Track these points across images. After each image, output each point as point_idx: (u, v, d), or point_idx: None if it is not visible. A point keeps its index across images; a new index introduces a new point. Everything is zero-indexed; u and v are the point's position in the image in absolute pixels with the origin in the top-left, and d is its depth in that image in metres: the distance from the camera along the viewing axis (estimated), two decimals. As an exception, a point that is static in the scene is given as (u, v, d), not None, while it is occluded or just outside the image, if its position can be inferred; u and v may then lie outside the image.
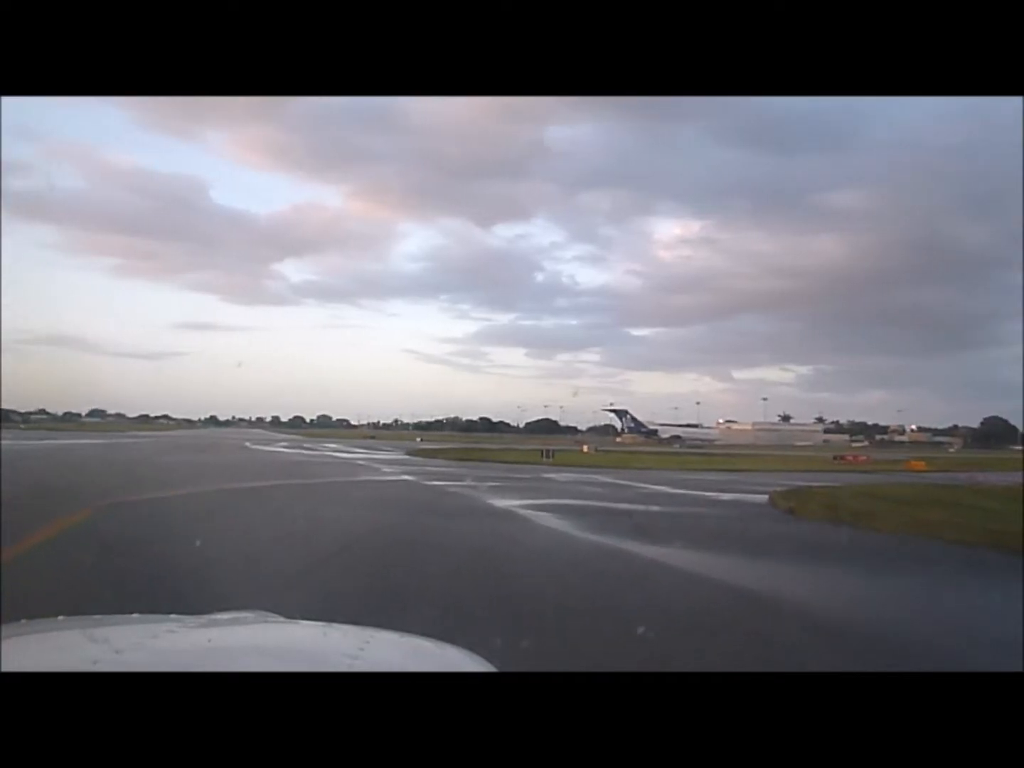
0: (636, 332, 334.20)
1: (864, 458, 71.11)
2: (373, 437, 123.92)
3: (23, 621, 2.05)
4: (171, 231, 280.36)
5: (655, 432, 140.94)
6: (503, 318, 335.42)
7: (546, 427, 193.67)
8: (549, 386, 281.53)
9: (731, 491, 30.43)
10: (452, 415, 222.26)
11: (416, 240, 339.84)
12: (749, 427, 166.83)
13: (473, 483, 29.81)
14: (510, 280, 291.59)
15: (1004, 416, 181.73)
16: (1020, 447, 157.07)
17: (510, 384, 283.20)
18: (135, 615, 2.28)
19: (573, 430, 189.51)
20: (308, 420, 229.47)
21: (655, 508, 22.98)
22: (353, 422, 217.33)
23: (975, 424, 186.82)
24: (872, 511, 20.32)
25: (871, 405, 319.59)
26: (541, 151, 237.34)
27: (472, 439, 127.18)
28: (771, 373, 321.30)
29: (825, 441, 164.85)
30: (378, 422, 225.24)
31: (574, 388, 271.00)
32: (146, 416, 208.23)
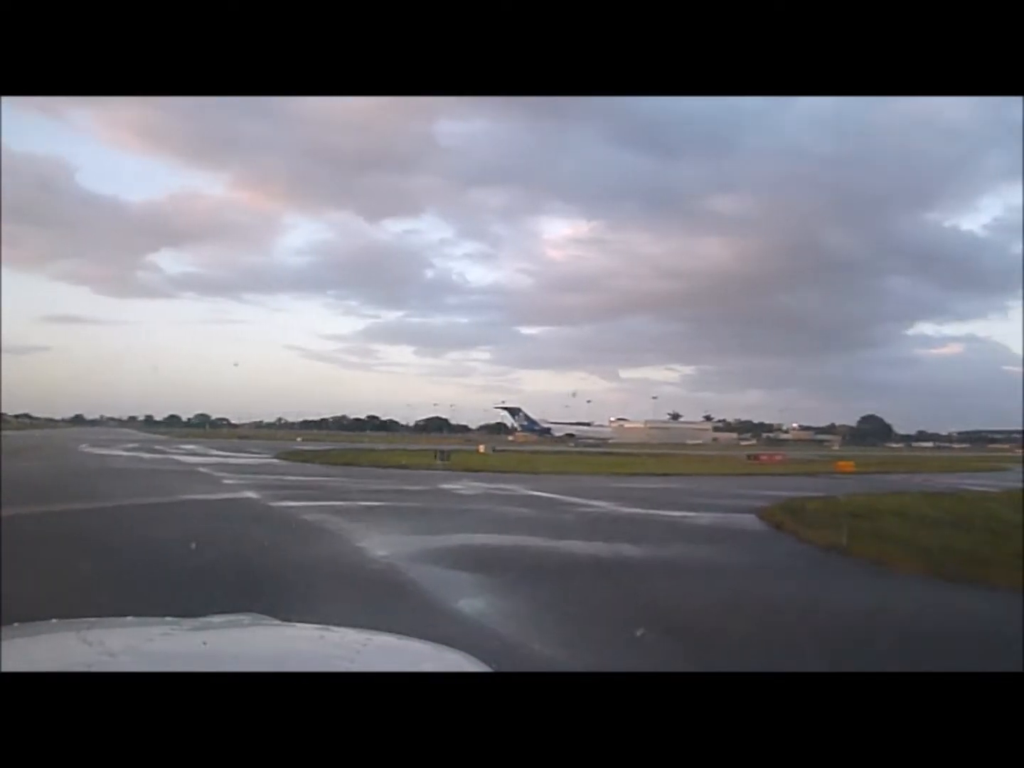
0: (526, 331, 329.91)
1: (779, 457, 65.10)
2: (248, 437, 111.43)
3: (17, 624, 2.03)
4: (32, 217, 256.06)
5: (548, 430, 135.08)
6: (392, 315, 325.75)
7: (436, 426, 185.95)
8: (439, 384, 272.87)
9: (701, 508, 22.39)
10: (340, 414, 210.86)
11: (302, 233, 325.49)
12: (642, 425, 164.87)
13: (344, 503, 20.62)
14: (399, 276, 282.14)
15: (879, 415, 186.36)
16: (897, 444, 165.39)
17: (400, 382, 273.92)
18: (129, 618, 2.27)
19: (464, 428, 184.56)
20: (185, 419, 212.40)
21: (646, 553, 14.10)
22: (234, 421, 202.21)
23: (851, 422, 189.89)
24: (985, 556, 12.22)
25: (750, 404, 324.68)
26: (431, 146, 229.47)
27: (358, 438, 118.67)
28: (657, 373, 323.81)
29: (714, 439, 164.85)
30: (261, 421, 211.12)
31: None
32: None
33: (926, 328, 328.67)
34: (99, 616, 2.33)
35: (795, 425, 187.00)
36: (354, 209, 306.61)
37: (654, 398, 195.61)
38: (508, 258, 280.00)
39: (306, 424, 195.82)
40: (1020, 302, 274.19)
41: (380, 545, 13.58)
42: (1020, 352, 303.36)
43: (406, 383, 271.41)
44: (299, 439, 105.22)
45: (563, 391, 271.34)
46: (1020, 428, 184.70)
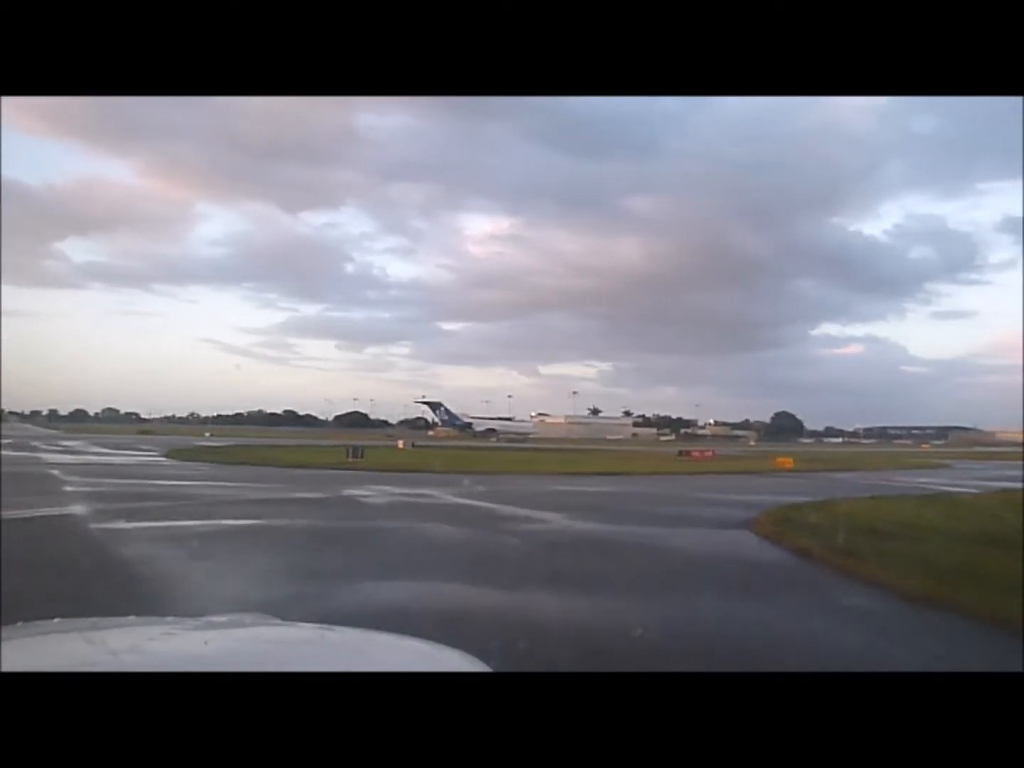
0: (446, 326, 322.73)
1: (710, 454, 61.34)
2: (152, 432, 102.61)
3: (20, 624, 2.00)
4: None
5: (470, 425, 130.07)
6: (311, 309, 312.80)
7: (356, 420, 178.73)
8: (359, 379, 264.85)
9: (675, 522, 17.35)
10: (256, 408, 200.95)
11: (218, 223, 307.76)
12: (562, 420, 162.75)
13: (202, 521, 14.72)
14: (319, 270, 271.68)
15: (791, 411, 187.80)
16: (808, 439, 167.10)
17: (319, 377, 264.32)
18: (132, 617, 2.23)
19: (384, 424, 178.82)
20: (93, 414, 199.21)
21: (668, 623, 8.12)
22: (145, 416, 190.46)
23: (763, 418, 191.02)
24: None
25: (665, 400, 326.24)
26: (351, 138, 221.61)
27: (272, 434, 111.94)
28: (575, 369, 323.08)
29: (634, 434, 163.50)
30: (172, 416, 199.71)
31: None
32: None
33: (831, 329, 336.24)
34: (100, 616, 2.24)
35: (711, 421, 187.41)
36: (272, 200, 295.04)
37: (574, 393, 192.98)
38: (429, 253, 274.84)
39: (220, 419, 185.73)
40: (917, 304, 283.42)
41: (197, 612, 7.85)
42: (916, 353, 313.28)
43: (326, 378, 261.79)
44: (207, 434, 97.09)
45: (483, 387, 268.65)
46: (919, 424, 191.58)
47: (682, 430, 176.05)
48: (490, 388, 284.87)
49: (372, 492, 22.37)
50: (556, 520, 16.86)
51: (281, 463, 36.08)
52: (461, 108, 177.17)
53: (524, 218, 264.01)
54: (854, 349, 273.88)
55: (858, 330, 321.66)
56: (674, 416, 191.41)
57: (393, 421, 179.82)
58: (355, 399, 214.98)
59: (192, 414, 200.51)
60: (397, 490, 23.31)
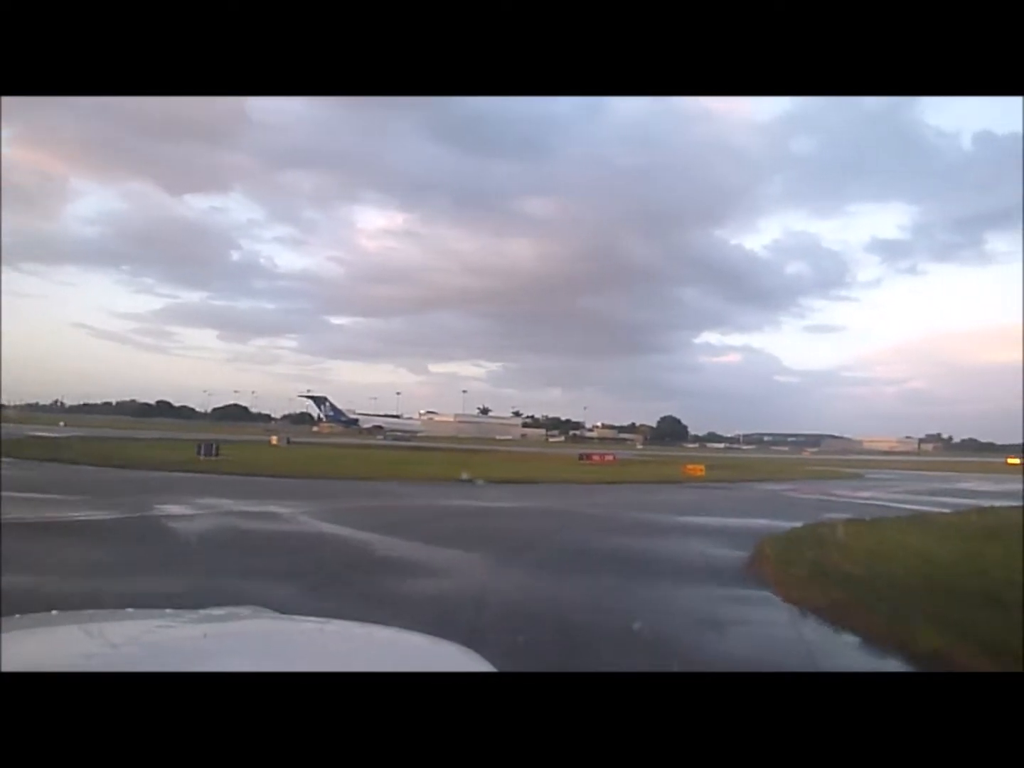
0: (336, 320, 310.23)
1: (611, 457, 56.11)
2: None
3: (17, 616, 1.96)
4: None
5: (356, 421, 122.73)
6: (193, 296, 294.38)
7: (235, 414, 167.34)
8: (243, 371, 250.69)
9: (649, 567, 10.98)
10: (129, 398, 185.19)
11: (94, 201, 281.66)
12: (451, 419, 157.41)
13: None
14: (202, 256, 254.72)
15: (676, 416, 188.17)
16: (692, 444, 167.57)
17: (200, 367, 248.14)
18: (130, 610, 2.21)
19: (267, 418, 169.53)
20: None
21: None
22: (5, 403, 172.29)
23: (648, 421, 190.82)
24: None
25: (552, 401, 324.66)
26: (242, 119, 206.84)
27: (139, 425, 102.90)
28: (465, 368, 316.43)
29: (523, 435, 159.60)
30: (36, 403, 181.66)
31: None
32: None
33: (711, 337, 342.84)
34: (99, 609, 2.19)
35: (599, 423, 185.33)
36: (154, 179, 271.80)
37: (464, 392, 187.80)
38: (319, 245, 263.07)
39: (87, 408, 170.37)
40: (791, 317, 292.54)
41: None
42: (790, 364, 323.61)
43: (207, 368, 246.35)
44: (61, 423, 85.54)
45: (372, 383, 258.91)
46: (794, 432, 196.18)
47: (570, 432, 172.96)
48: (379, 385, 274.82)
49: (198, 509, 15.55)
50: (476, 574, 10.47)
51: (113, 461, 28.21)
52: (357, 98, 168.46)
53: (418, 214, 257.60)
54: (733, 358, 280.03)
55: (737, 340, 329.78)
56: (562, 418, 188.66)
57: (277, 415, 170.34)
58: (236, 391, 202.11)
59: (57, 402, 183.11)
60: (237, 505, 16.53)
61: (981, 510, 22.13)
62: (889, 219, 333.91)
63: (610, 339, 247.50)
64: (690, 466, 42.23)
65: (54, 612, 2.05)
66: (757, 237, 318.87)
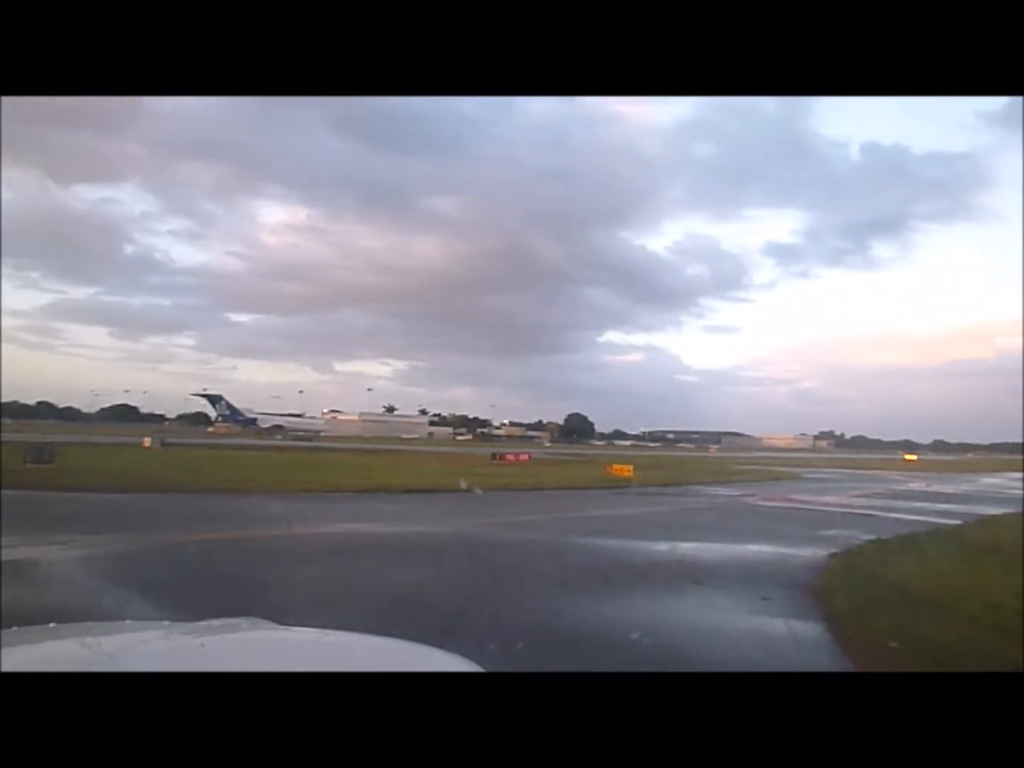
0: (237, 317, 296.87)
1: (526, 457, 50.67)
2: None
3: (15, 628, 1.91)
4: None
5: (254, 421, 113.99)
6: (82, 292, 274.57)
7: (123, 414, 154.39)
8: (137, 370, 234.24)
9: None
10: (12, 399, 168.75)
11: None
12: (356, 417, 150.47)
13: None
14: (93, 249, 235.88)
15: (584, 413, 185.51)
16: (599, 442, 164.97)
17: (89, 366, 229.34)
18: (128, 621, 2.23)
19: (160, 418, 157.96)
20: None
21: None
22: None
23: (555, 419, 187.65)
24: None
25: (459, 400, 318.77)
26: (136, 107, 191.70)
27: (7, 428, 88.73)
28: (371, 367, 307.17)
29: (430, 433, 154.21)
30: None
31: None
32: None
33: (615, 336, 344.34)
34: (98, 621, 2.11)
35: (506, 421, 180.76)
36: (40, 168, 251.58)
37: (369, 390, 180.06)
38: (219, 240, 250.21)
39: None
40: (691, 317, 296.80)
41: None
42: (690, 363, 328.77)
43: (97, 368, 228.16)
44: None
45: (276, 382, 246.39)
46: (696, 429, 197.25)
47: (478, 430, 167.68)
48: (282, 384, 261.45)
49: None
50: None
51: None
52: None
53: (323, 210, 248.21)
54: (636, 357, 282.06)
55: (640, 339, 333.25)
56: (470, 416, 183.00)
57: (171, 416, 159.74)
58: (126, 390, 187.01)
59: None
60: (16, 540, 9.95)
61: (994, 520, 17.84)
62: (784, 224, 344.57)
63: (517, 338, 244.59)
64: (616, 466, 36.99)
65: (52, 624, 1.99)
66: (660, 239, 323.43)
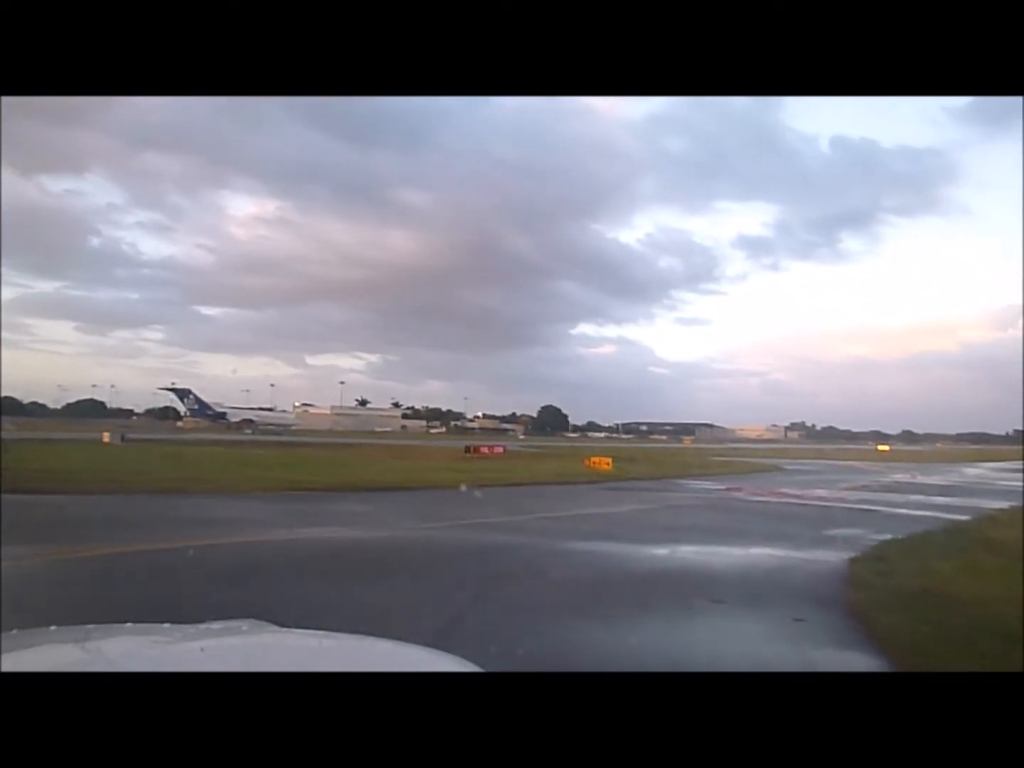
0: (206, 311, 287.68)
1: (501, 449, 49.05)
2: None
3: (15, 631, 1.90)
4: None
5: (224, 415, 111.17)
6: (48, 286, 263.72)
7: (90, 409, 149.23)
8: (105, 365, 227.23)
9: None
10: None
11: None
12: (328, 411, 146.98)
13: None
14: (58, 242, 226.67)
15: (557, 405, 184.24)
16: (573, 434, 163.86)
17: (56, 362, 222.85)
18: (128, 624, 2.10)
19: (128, 413, 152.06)
20: None
21: None
22: None
23: (529, 412, 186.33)
24: None
25: (433, 393, 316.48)
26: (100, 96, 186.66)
27: None
28: (344, 360, 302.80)
29: (403, 427, 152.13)
30: None
31: (137, 366, 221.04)
32: None
33: (588, 329, 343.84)
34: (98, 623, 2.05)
35: (480, 414, 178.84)
36: (2, 158, 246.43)
37: (341, 383, 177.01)
38: (187, 232, 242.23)
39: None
40: (663, 310, 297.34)
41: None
42: (662, 355, 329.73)
43: (65, 362, 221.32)
44: None
45: (246, 376, 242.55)
46: (670, 421, 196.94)
47: (452, 423, 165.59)
48: (254, 378, 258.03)
49: None
50: None
51: None
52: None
53: (293, 202, 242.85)
54: (609, 349, 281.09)
55: (612, 331, 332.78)
56: (443, 409, 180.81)
57: (140, 410, 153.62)
58: (94, 385, 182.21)
59: None
60: None
61: (1006, 516, 16.56)
62: (754, 217, 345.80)
63: (490, 331, 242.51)
64: (595, 459, 35.34)
65: (52, 628, 1.97)
66: (632, 232, 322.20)
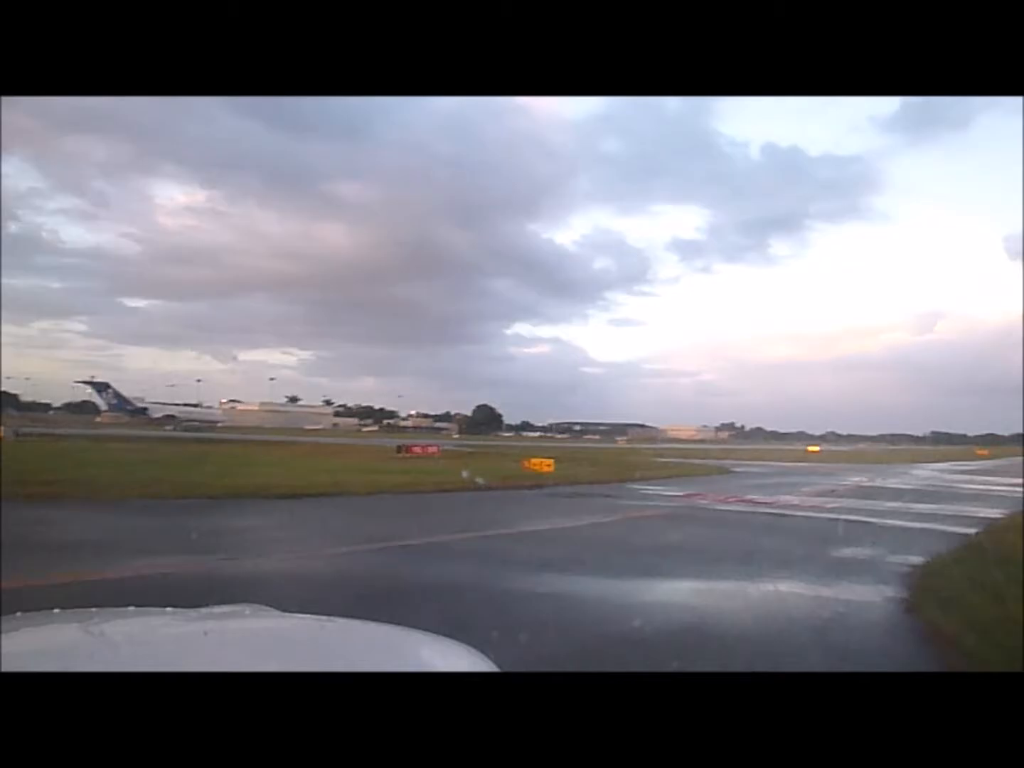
0: (131, 303, 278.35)
1: (435, 449, 45.47)
2: None
3: (19, 614, 1.88)
4: None
5: (144, 411, 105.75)
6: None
7: (3, 402, 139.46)
8: (21, 356, 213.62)
9: None
10: None
11: None
12: (256, 407, 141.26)
13: None
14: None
15: (492, 404, 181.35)
16: (508, 433, 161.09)
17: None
18: (131, 608, 2.06)
19: (44, 407, 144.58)
20: None
21: None
22: None
23: (464, 411, 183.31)
24: None
25: (366, 390, 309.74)
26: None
27: None
28: (275, 356, 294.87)
29: (335, 424, 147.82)
30: None
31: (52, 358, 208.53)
32: None
33: (523, 328, 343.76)
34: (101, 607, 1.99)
35: (413, 412, 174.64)
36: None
37: (271, 379, 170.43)
38: (112, 220, 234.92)
39: None
40: (597, 310, 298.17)
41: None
42: (595, 355, 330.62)
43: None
44: None
45: (174, 370, 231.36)
46: (603, 421, 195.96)
47: (384, 421, 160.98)
48: (181, 372, 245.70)
49: None
50: None
51: None
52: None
53: (224, 192, 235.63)
54: (543, 348, 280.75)
55: (547, 331, 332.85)
56: (376, 406, 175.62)
57: (58, 404, 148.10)
58: (8, 377, 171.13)
59: None
60: None
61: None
62: (687, 220, 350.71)
63: (425, 328, 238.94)
64: (534, 460, 31.98)
65: (56, 611, 1.92)
66: (568, 232, 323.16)
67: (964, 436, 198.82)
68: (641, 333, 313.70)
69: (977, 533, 13.70)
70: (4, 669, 1.33)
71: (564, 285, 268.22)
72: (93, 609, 1.97)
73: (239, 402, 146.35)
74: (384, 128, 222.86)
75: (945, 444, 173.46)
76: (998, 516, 17.23)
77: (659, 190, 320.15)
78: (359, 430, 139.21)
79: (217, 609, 2.07)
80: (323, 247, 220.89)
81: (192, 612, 1.99)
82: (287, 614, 2.13)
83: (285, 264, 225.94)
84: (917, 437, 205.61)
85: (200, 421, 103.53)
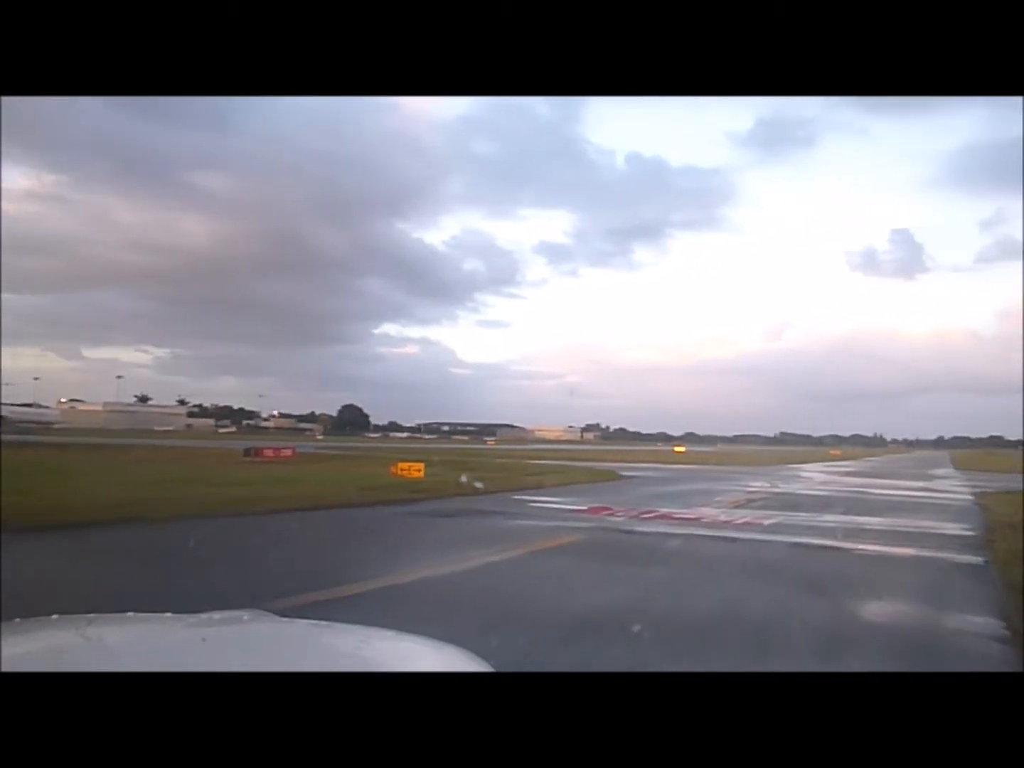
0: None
1: (290, 452, 39.39)
2: None
3: (17, 620, 1.81)
4: None
5: None
6: None
7: None
8: None
9: None
10: None
11: None
12: (100, 408, 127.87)
13: None
14: None
15: (359, 405, 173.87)
16: (374, 434, 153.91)
17: None
18: (130, 614, 2.00)
19: None
20: None
21: None
22: None
23: (329, 411, 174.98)
24: None
25: (226, 390, 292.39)
26: None
27: None
28: (128, 354, 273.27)
29: (189, 425, 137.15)
30: None
31: None
32: None
33: (391, 329, 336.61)
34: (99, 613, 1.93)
35: (275, 412, 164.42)
36: None
37: (119, 378, 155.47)
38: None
39: None
40: (467, 312, 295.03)
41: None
42: (464, 356, 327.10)
43: None
44: None
45: (11, 368, 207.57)
46: (472, 422, 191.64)
47: (244, 421, 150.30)
48: (21, 370, 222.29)
49: None
50: None
51: None
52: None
53: (71, 176, 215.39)
54: (412, 349, 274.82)
55: (416, 332, 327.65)
56: (235, 407, 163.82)
57: None
58: None
59: None
60: None
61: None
62: (555, 224, 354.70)
63: (291, 326, 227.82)
64: (403, 465, 26.65)
65: (54, 616, 1.88)
66: (438, 233, 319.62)
67: (809, 437, 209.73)
68: (509, 335, 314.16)
69: (977, 562, 9.97)
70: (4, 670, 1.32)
71: (434, 286, 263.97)
72: (91, 615, 1.92)
73: (80, 402, 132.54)
74: (253, 121, 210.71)
75: (792, 444, 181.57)
76: (974, 534, 13.88)
77: (528, 194, 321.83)
78: (215, 431, 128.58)
79: (216, 615, 2.01)
80: (184, 240, 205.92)
81: (190, 617, 1.95)
82: (286, 619, 2.10)
83: (140, 256, 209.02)
84: (768, 438, 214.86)
85: (33, 422, 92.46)
